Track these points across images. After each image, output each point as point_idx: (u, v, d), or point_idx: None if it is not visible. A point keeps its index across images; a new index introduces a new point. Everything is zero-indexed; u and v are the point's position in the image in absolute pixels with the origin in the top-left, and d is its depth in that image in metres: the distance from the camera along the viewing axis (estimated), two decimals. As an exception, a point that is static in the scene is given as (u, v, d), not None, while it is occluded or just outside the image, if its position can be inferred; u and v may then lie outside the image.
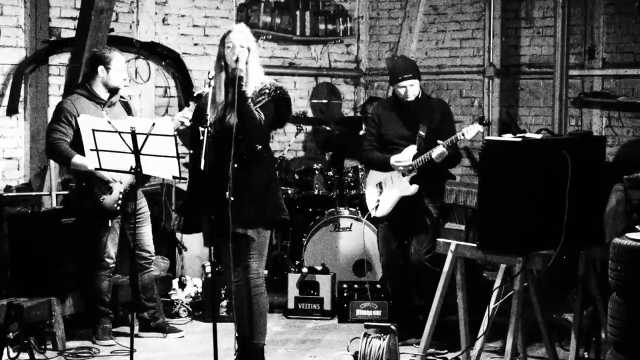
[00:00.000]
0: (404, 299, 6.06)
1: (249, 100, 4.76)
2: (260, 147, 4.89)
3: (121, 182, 5.69)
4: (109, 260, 5.87)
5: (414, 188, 5.80)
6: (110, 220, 5.77)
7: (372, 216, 6.07)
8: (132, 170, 4.67)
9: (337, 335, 6.15)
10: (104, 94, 5.79)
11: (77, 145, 5.34)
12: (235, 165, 4.72)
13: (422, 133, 5.79)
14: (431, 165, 5.70)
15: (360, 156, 6.23)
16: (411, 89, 5.80)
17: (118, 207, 5.68)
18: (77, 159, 5.53)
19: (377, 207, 5.96)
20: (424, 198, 5.86)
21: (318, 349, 5.85)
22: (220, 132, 4.80)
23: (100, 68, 5.74)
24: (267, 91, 4.87)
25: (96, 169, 4.88)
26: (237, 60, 4.76)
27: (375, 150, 5.95)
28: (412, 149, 5.79)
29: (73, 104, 5.68)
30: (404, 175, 5.82)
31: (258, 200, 4.87)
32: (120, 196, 5.69)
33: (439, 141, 5.59)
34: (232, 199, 4.70)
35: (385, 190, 5.94)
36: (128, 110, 5.96)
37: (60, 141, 5.62)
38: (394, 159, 5.81)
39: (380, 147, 5.94)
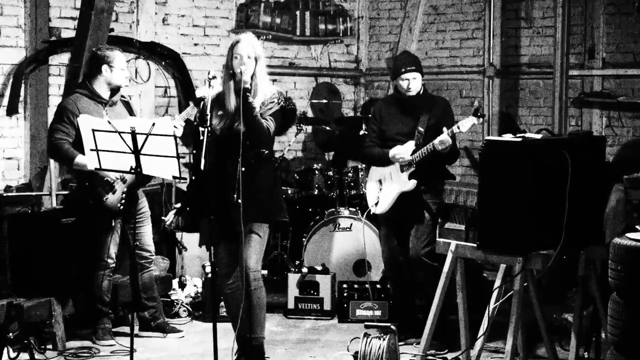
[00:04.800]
0: (405, 298, 6.06)
1: (256, 110, 4.86)
2: (266, 151, 5.03)
3: (124, 182, 5.69)
4: (109, 260, 5.86)
5: (413, 183, 5.79)
6: (113, 220, 5.77)
7: (371, 212, 6.07)
8: (132, 170, 4.67)
9: (337, 335, 6.14)
10: (105, 93, 5.79)
11: (79, 144, 5.33)
12: (243, 169, 4.81)
13: (420, 129, 5.78)
14: (429, 160, 5.69)
15: (361, 153, 6.23)
16: (413, 82, 5.78)
17: (121, 207, 5.67)
18: (79, 159, 5.52)
19: (377, 203, 5.96)
20: (423, 194, 5.85)
21: (318, 348, 5.85)
22: (229, 138, 4.88)
23: (104, 67, 5.74)
24: (276, 100, 5.02)
25: (96, 169, 4.87)
26: (241, 73, 4.83)
27: (376, 147, 5.95)
28: (411, 144, 5.78)
29: (75, 103, 5.68)
30: (402, 170, 5.82)
31: (263, 200, 5.00)
32: (124, 196, 5.68)
33: (444, 128, 5.57)
34: (239, 200, 4.77)
35: (385, 186, 5.93)
36: (130, 109, 5.96)
37: (63, 141, 5.62)
38: (392, 151, 5.80)
39: (381, 145, 5.93)
